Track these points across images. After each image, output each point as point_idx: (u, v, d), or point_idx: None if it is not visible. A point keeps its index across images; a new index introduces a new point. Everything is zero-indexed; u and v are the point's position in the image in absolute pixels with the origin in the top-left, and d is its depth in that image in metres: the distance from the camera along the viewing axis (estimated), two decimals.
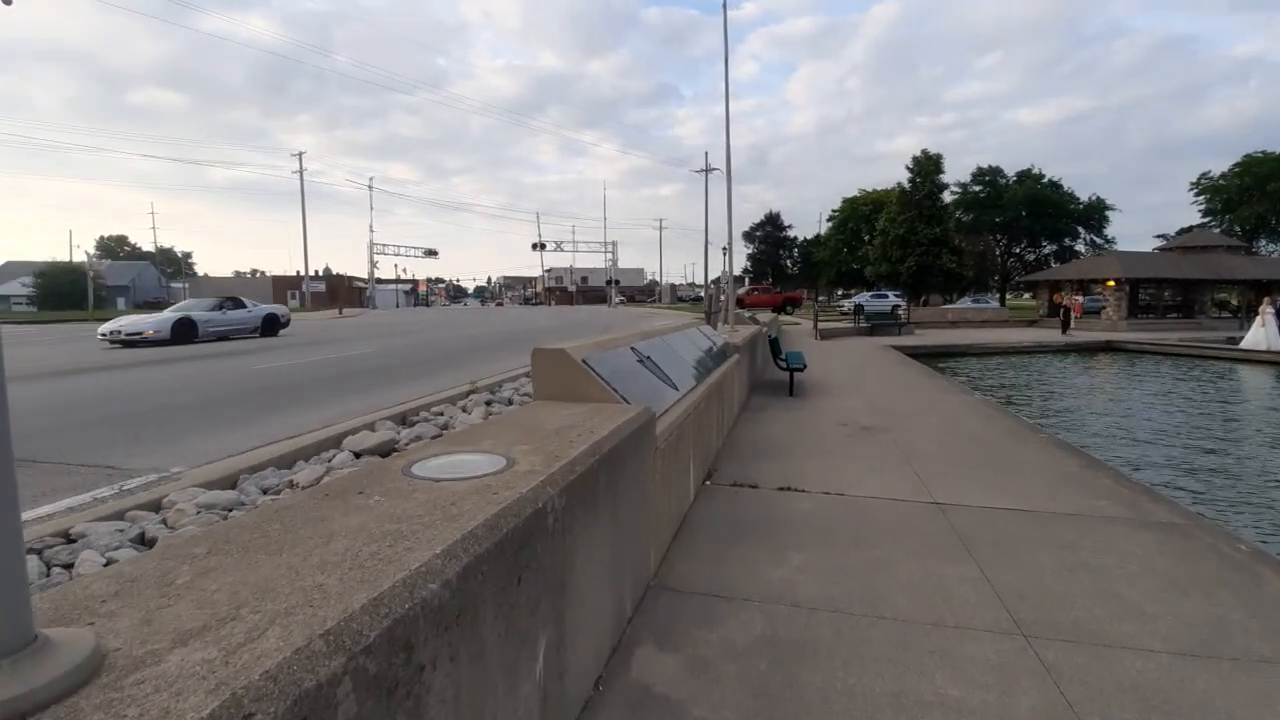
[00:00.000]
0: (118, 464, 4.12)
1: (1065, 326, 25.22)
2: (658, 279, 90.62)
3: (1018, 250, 54.08)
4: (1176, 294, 31.12)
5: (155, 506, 2.98)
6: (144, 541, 2.62)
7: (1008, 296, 55.52)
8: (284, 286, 64.31)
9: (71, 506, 3.26)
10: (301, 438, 4.41)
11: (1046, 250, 52.96)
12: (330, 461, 3.69)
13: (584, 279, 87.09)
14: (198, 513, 2.84)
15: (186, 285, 68.71)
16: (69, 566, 2.39)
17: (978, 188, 51.91)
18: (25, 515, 3.11)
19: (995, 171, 51.82)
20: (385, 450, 3.89)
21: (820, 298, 60.39)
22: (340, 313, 41.88)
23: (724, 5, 11.87)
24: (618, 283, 72.06)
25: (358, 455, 3.80)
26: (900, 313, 27.09)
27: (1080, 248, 51.83)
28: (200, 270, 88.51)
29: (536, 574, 1.79)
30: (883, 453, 5.97)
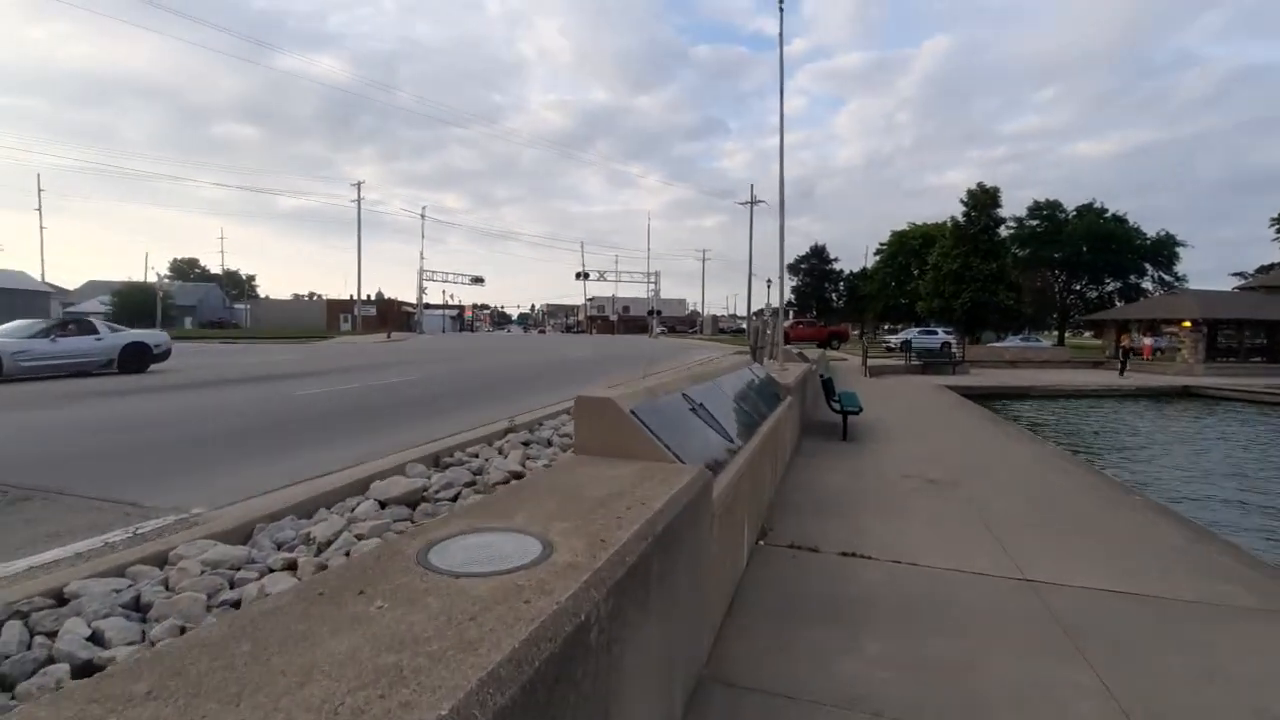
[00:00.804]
0: (140, 500, 3.93)
1: (1123, 368, 23.76)
2: (699, 310, 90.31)
3: (1078, 287, 51.94)
4: (1260, 336, 29.08)
5: (161, 560, 2.71)
6: (138, 607, 2.34)
7: (1067, 335, 53.24)
8: (337, 310, 66.35)
9: (79, 552, 3.03)
10: (330, 477, 4.15)
11: (1110, 287, 50.72)
12: (353, 511, 3.40)
13: (625, 308, 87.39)
14: (201, 572, 2.56)
15: (249, 306, 71.72)
16: (53, 635, 2.12)
17: (1034, 222, 50.27)
18: (31, 561, 2.90)
19: (1054, 205, 50.15)
20: (412, 500, 3.59)
21: (866, 332, 59.03)
22: (388, 337, 42.76)
23: (780, 37, 11.66)
24: (659, 313, 71.99)
25: (383, 505, 3.51)
26: (954, 350, 26.01)
27: (1147, 285, 49.46)
28: (262, 292, 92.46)
29: (574, 708, 1.41)
30: (956, 513, 5.39)
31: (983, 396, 16.96)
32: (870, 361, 22.07)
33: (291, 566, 2.71)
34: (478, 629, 1.28)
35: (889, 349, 35.28)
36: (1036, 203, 50.40)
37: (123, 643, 2.12)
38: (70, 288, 70.66)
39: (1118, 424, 14.98)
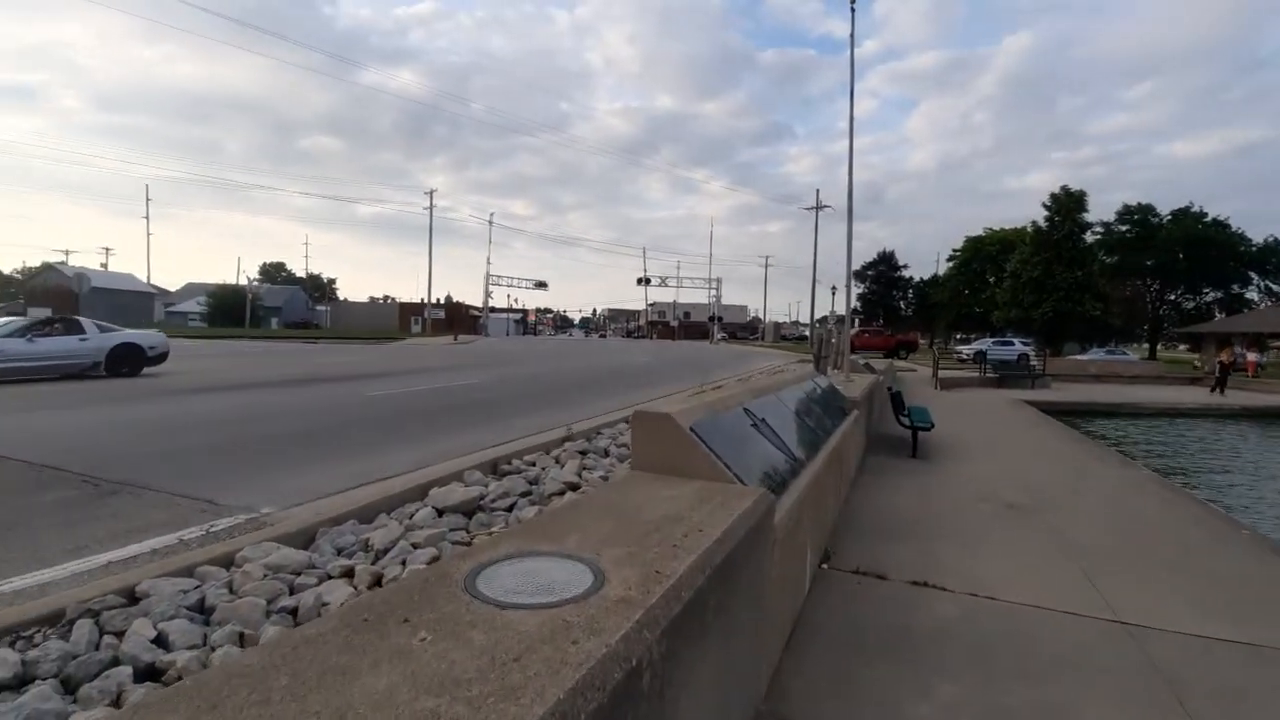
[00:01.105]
0: (215, 498, 4.09)
1: (1220, 385, 21.78)
2: (761, 316, 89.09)
3: (1173, 297, 48.30)
4: None
5: (228, 561, 2.79)
6: (202, 610, 2.40)
7: (1159, 348, 49.62)
8: (409, 313, 69.02)
9: (155, 549, 3.16)
10: (391, 481, 4.22)
11: (1209, 298, 46.97)
12: (411, 518, 3.42)
13: (686, 314, 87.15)
14: (264, 576, 2.61)
15: (329, 308, 75.59)
16: (121, 635, 2.19)
17: (1124, 227, 47.09)
18: (112, 555, 3.03)
19: (1146, 210, 46.84)
20: (469, 509, 3.58)
21: (937, 342, 56.75)
22: (455, 339, 44.07)
23: (851, 37, 11.32)
24: (720, 319, 71.40)
25: (440, 513, 3.52)
26: (1032, 362, 24.58)
27: (1253, 295, 45.54)
28: (341, 295, 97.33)
29: None
30: (1038, 541, 5.00)
31: (1065, 413, 15.92)
32: (941, 373, 21.11)
33: (349, 574, 2.73)
34: (521, 673, 1.20)
35: (961, 360, 33.73)
36: (1127, 207, 47.19)
37: (185, 646, 2.16)
38: (172, 289, 76.31)
39: (1218, 447, 13.76)
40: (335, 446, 5.98)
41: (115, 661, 2.04)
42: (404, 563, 2.86)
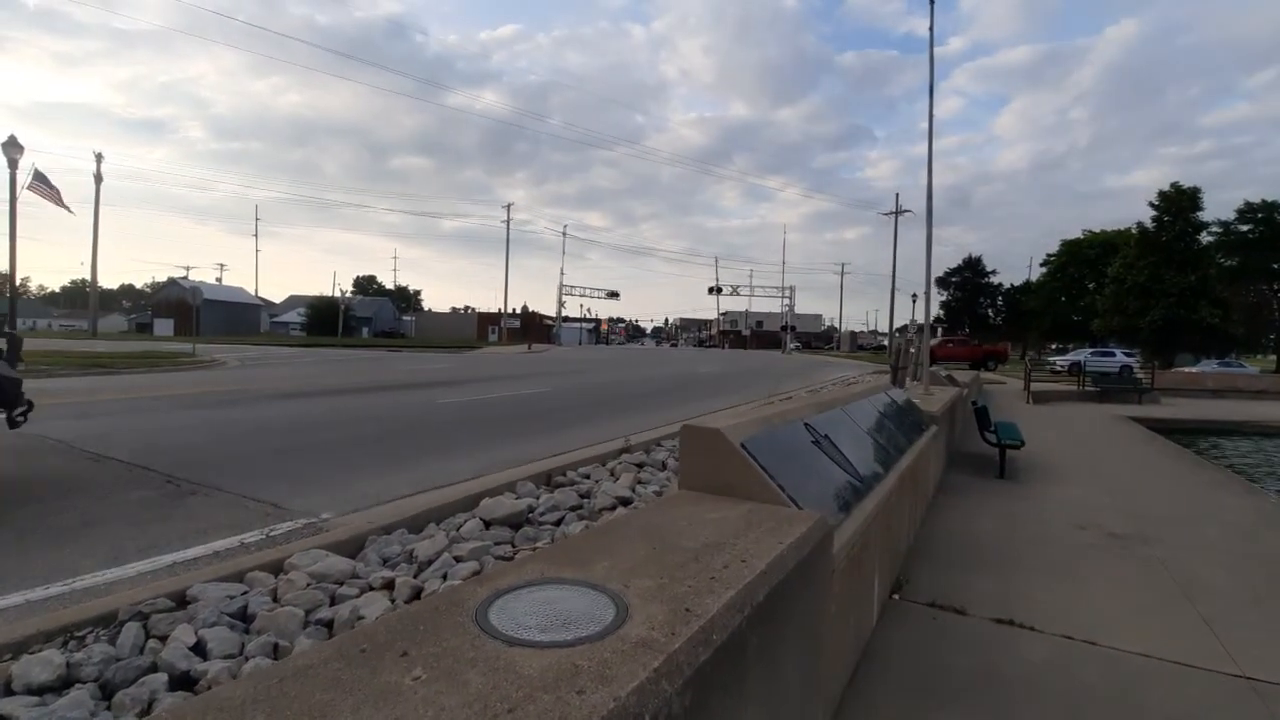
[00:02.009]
0: (280, 501, 4.22)
1: None
2: (836, 325, 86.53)
3: None
4: None
5: (278, 568, 2.81)
6: (244, 618, 2.41)
7: None
8: (486, 322, 71.41)
9: (217, 551, 3.26)
10: (445, 490, 4.23)
11: None
12: (459, 529, 3.38)
13: (759, 323, 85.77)
14: (307, 585, 2.61)
15: (414, 318, 79.36)
16: (165, 639, 2.22)
17: (1245, 227, 42.64)
18: (174, 557, 3.13)
19: (1272, 206, 42.22)
20: (516, 522, 3.51)
21: (1029, 353, 53.22)
22: (529, 348, 45.13)
23: (930, 31, 10.75)
24: (793, 328, 69.82)
25: (487, 525, 3.46)
26: (1140, 376, 22.56)
27: None
28: (426, 305, 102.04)
29: None
30: (1145, 579, 4.45)
31: (1177, 431, 14.47)
32: (1034, 386, 19.70)
33: (389, 586, 2.70)
34: None
35: (1055, 372, 31.41)
36: (1249, 204, 42.69)
37: (221, 655, 2.17)
38: (276, 300, 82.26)
39: None
40: (401, 453, 6.10)
41: (154, 668, 2.06)
42: (445, 576, 2.81)
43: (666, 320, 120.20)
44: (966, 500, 6.46)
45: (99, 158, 42.98)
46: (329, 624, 2.38)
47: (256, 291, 73.06)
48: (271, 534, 3.49)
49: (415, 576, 2.81)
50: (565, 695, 1.16)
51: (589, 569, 1.78)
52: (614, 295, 75.03)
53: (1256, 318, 40.95)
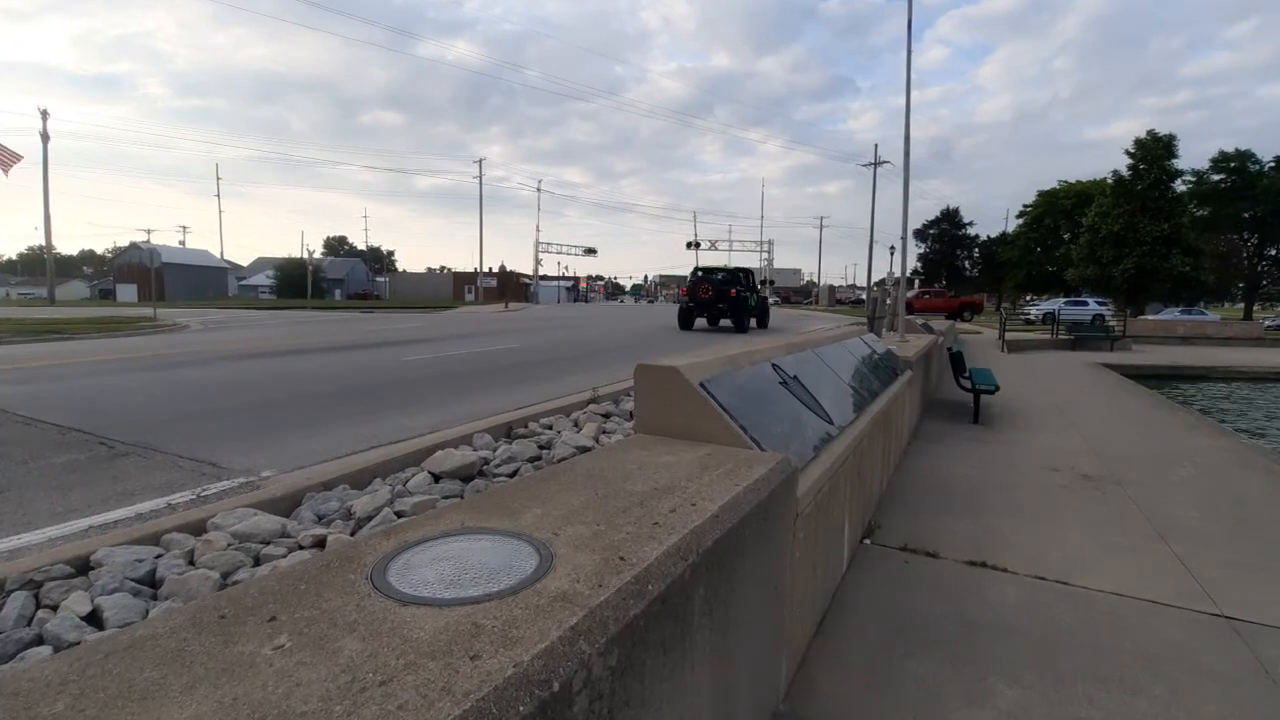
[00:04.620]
0: (220, 460, 3.96)
1: None
2: (815, 280, 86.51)
3: (1273, 252, 44.05)
4: None
5: (199, 529, 2.58)
6: (152, 583, 2.18)
7: (1255, 308, 45.62)
8: (462, 282, 70.12)
9: (140, 513, 3.00)
10: (399, 445, 3.99)
11: None
12: (407, 484, 3.16)
13: None
14: (227, 546, 2.38)
15: (388, 279, 77.62)
16: (55, 608, 1.99)
17: (1218, 177, 42.87)
18: (92, 521, 2.88)
19: (1245, 156, 42.40)
20: (467, 474, 3.30)
21: (1004, 304, 53.72)
22: (506, 307, 44.46)
23: None
24: (772, 283, 69.58)
25: (436, 478, 3.25)
26: (1113, 324, 22.81)
27: None
28: (400, 266, 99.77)
29: None
30: (1118, 518, 4.41)
31: (1150, 377, 14.65)
32: (1009, 335, 19.81)
33: (320, 544, 2.49)
34: (380, 704, 0.85)
35: (1028, 321, 31.71)
36: (1222, 153, 42.81)
37: (120, 623, 1.95)
38: (244, 264, 79.81)
39: None
40: (358, 409, 5.84)
41: (38, 640, 1.84)
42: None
43: (646, 277, 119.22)
44: (941, 445, 6.39)
45: (44, 115, 40.61)
46: None
47: (222, 254, 70.75)
48: (203, 494, 3.25)
49: (352, 534, 2.60)
50: (456, 661, 0.96)
51: (518, 517, 1.57)
52: (591, 252, 73.94)
53: (1226, 266, 41.57)
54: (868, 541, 3.81)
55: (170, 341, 13.65)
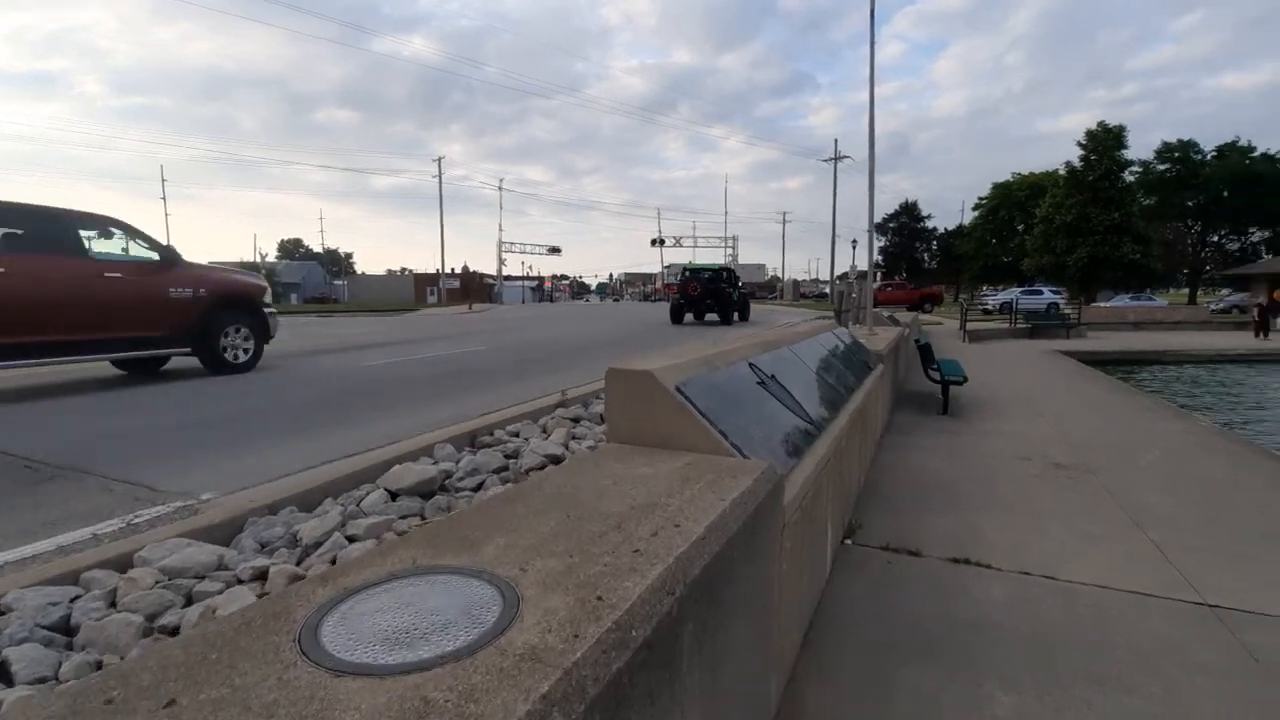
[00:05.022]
0: (157, 482, 3.65)
1: (1263, 329, 20.50)
2: (779, 274, 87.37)
3: (1215, 239, 46.02)
4: None
5: (125, 563, 2.31)
6: (67, 630, 1.92)
7: (1199, 293, 47.59)
8: (424, 284, 68.68)
9: (62, 545, 2.71)
10: (353, 459, 3.74)
11: (1256, 237, 44.66)
12: (360, 504, 2.92)
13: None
14: (154, 584, 2.13)
15: (346, 282, 75.63)
16: None
17: (1163, 166, 44.62)
18: (7, 556, 2.59)
19: (1187, 146, 44.23)
20: (426, 490, 3.07)
21: (963, 294, 55.01)
22: (470, 308, 43.71)
23: None
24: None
25: (393, 496, 3.02)
26: (1067, 312, 23.46)
27: None
28: (359, 269, 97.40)
29: None
30: (1094, 507, 4.40)
31: (1105, 363, 15.05)
32: (969, 325, 20.19)
33: (261, 577, 2.25)
34: None
35: (986, 311, 32.46)
36: (1166, 144, 44.55)
37: (30, 679, 1.70)
38: None
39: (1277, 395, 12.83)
40: (310, 420, 5.53)
41: None
42: (334, 561, 2.37)
43: (611, 275, 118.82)
44: (913, 438, 6.36)
45: None
46: (174, 630, 1.93)
47: None
48: (134, 522, 2.95)
49: (298, 563, 2.37)
50: None
51: (478, 550, 1.38)
52: (555, 251, 73.35)
53: (1171, 254, 43.23)
54: (849, 542, 3.70)
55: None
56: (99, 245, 7.25)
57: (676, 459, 2.09)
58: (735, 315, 21.49)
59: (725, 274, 21.79)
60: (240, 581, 2.23)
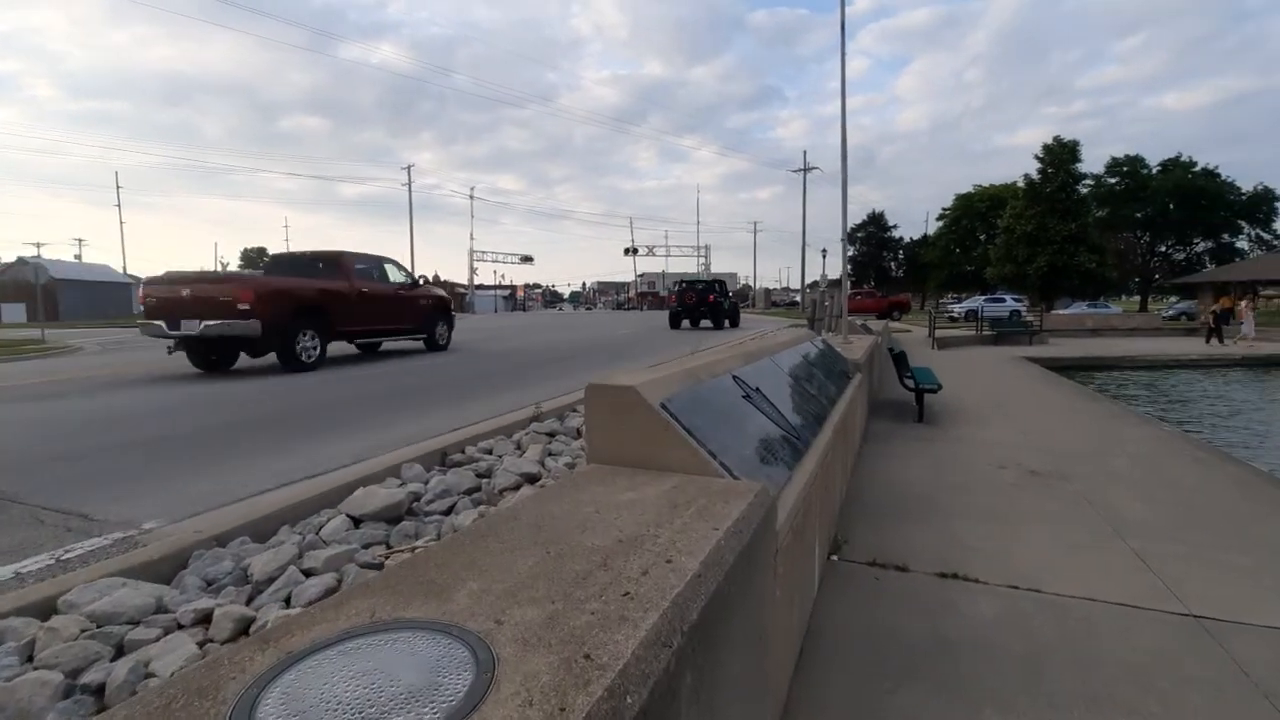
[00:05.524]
0: (93, 511, 3.36)
1: (1216, 335, 21.29)
2: (751, 283, 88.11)
3: (1163, 249, 47.93)
4: None
5: (48, 610, 2.07)
6: None
7: (1149, 301, 49.42)
8: None
9: None
10: (315, 481, 3.51)
11: (1199, 248, 46.62)
12: (320, 531, 2.71)
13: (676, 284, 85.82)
14: (80, 634, 1.90)
15: None
16: None
17: (1114, 180, 46.38)
18: None
19: (1135, 161, 46.11)
20: (392, 515, 2.87)
21: (929, 302, 56.14)
22: None
23: None
24: None
25: (357, 522, 2.81)
26: (1030, 319, 24.04)
27: (1243, 244, 45.23)
28: None
29: None
30: (1074, 515, 4.38)
31: (1067, 368, 15.39)
32: (938, 332, 20.51)
33: (205, 621, 2.03)
34: None
35: (952, 319, 33.14)
36: (1115, 159, 46.38)
37: None
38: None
39: (1234, 398, 13.26)
40: (268, 440, 5.24)
41: None
42: (288, 599, 2.16)
43: (584, 284, 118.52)
44: (891, 446, 6.33)
45: None
46: (99, 690, 1.71)
47: (125, 269, 65.54)
48: (64, 558, 2.69)
49: (248, 603, 2.15)
50: None
51: (448, 598, 1.22)
52: (528, 260, 72.86)
53: (1124, 263, 44.81)
54: (835, 558, 3.60)
55: (58, 367, 12.29)
56: (391, 274, 12.27)
57: (663, 481, 1.95)
58: (726, 322, 23.79)
59: (717, 285, 24.71)
60: (180, 626, 2.01)
